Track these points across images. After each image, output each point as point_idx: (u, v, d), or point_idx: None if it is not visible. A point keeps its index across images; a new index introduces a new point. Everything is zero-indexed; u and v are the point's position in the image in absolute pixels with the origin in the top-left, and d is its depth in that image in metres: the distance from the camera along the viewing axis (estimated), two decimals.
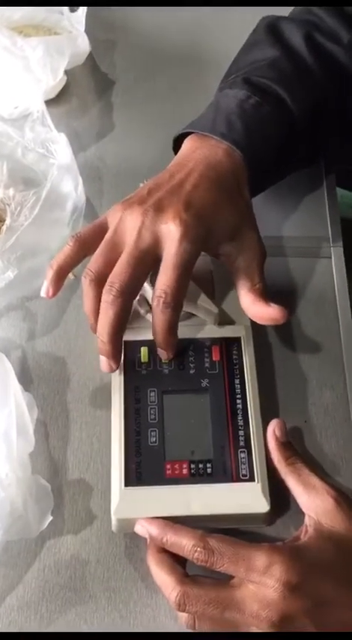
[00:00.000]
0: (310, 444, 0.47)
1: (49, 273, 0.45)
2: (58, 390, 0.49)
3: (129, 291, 0.43)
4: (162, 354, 0.46)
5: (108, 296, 0.43)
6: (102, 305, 0.43)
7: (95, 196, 0.57)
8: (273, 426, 0.44)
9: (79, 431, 0.48)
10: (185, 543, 0.40)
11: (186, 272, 0.43)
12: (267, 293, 0.46)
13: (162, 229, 0.43)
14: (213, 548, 0.39)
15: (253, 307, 0.45)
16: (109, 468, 0.44)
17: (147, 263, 0.43)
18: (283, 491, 0.44)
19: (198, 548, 0.39)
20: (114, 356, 0.44)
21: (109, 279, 0.43)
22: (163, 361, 0.46)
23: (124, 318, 0.43)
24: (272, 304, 0.45)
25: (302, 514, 0.43)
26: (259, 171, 0.49)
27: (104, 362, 0.44)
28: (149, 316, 0.47)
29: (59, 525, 0.44)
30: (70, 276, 0.49)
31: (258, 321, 0.46)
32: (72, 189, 0.54)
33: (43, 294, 0.45)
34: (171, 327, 0.44)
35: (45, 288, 0.45)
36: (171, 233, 0.43)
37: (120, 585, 0.43)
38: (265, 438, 0.45)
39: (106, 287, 0.43)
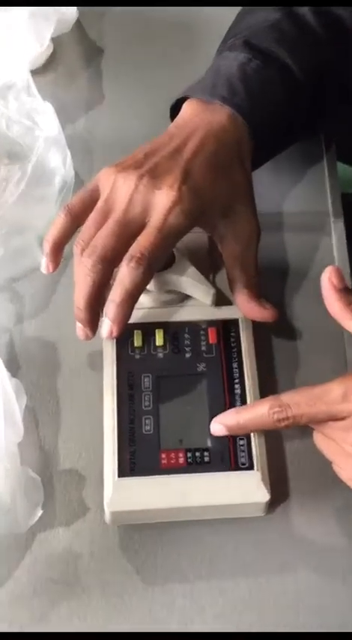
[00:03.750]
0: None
1: (46, 249, 0.44)
2: (47, 375, 0.48)
3: (111, 258, 0.41)
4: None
5: (88, 260, 0.41)
6: (82, 269, 0.41)
7: (85, 171, 0.56)
8: (328, 274, 0.41)
9: (70, 419, 0.46)
10: (262, 411, 0.40)
11: (169, 240, 0.42)
12: (265, 272, 0.46)
13: (156, 196, 0.42)
14: (287, 402, 0.39)
15: (247, 305, 0.45)
16: (102, 457, 0.43)
17: (133, 230, 0.42)
18: (283, 479, 0.43)
19: (276, 408, 0.39)
20: (90, 323, 0.42)
21: (92, 242, 0.41)
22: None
23: (103, 285, 0.42)
24: (266, 305, 0.45)
25: (302, 501, 0.43)
26: (261, 139, 0.47)
27: (80, 329, 0.43)
28: (142, 297, 0.45)
29: (50, 517, 0.43)
30: None
31: (249, 317, 0.46)
32: (60, 163, 0.53)
33: (43, 270, 0.45)
34: (133, 292, 0.41)
35: (44, 264, 0.45)
36: (163, 201, 0.41)
37: (114, 578, 0.42)
38: None
39: (88, 250, 0.41)
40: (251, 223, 0.45)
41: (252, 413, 0.41)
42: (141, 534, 0.42)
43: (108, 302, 0.41)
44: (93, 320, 0.42)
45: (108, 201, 0.43)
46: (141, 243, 0.41)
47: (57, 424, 0.46)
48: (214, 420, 0.42)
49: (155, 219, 0.41)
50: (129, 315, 0.42)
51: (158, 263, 0.42)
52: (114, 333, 0.41)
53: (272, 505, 0.43)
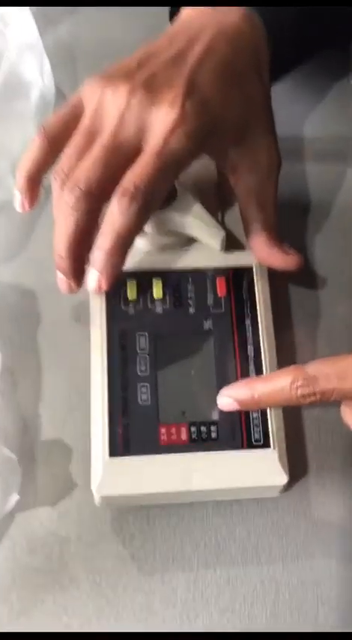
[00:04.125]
0: None
1: (19, 182, 0.39)
2: (26, 330, 0.44)
3: (98, 193, 0.36)
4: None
5: (69, 196, 0.36)
6: (62, 208, 0.36)
7: (66, 83, 0.51)
8: None
9: (54, 380, 0.43)
10: (282, 384, 0.35)
11: (170, 170, 0.36)
12: (281, 209, 0.42)
13: (153, 114, 0.36)
14: (314, 374, 0.35)
15: (266, 250, 0.42)
16: (90, 426, 0.40)
17: (126, 157, 0.37)
18: (301, 453, 0.41)
19: (300, 382, 0.35)
20: (74, 273, 0.38)
21: (74, 175, 0.36)
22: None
23: (89, 226, 0.36)
24: (289, 250, 0.41)
25: (322, 477, 0.40)
26: (281, 45, 0.42)
27: (62, 281, 0.38)
28: (137, 240, 0.40)
29: (31, 495, 0.40)
30: None
31: (268, 265, 0.42)
32: (37, 74, 0.48)
33: (17, 208, 0.40)
34: (126, 237, 0.36)
35: (18, 201, 0.40)
36: (163, 120, 0.36)
37: (106, 566, 0.39)
38: None
39: (69, 183, 0.36)
40: (270, 150, 0.41)
41: (270, 386, 0.36)
42: (137, 515, 0.39)
43: (96, 249, 0.36)
44: (77, 269, 0.37)
45: (94, 121, 0.37)
46: (136, 173, 0.36)
47: (38, 386, 0.43)
48: (222, 391, 0.38)
49: (152, 143, 0.36)
50: (121, 264, 0.37)
51: (156, 199, 0.37)
52: (104, 287, 0.36)
53: (288, 483, 0.40)
